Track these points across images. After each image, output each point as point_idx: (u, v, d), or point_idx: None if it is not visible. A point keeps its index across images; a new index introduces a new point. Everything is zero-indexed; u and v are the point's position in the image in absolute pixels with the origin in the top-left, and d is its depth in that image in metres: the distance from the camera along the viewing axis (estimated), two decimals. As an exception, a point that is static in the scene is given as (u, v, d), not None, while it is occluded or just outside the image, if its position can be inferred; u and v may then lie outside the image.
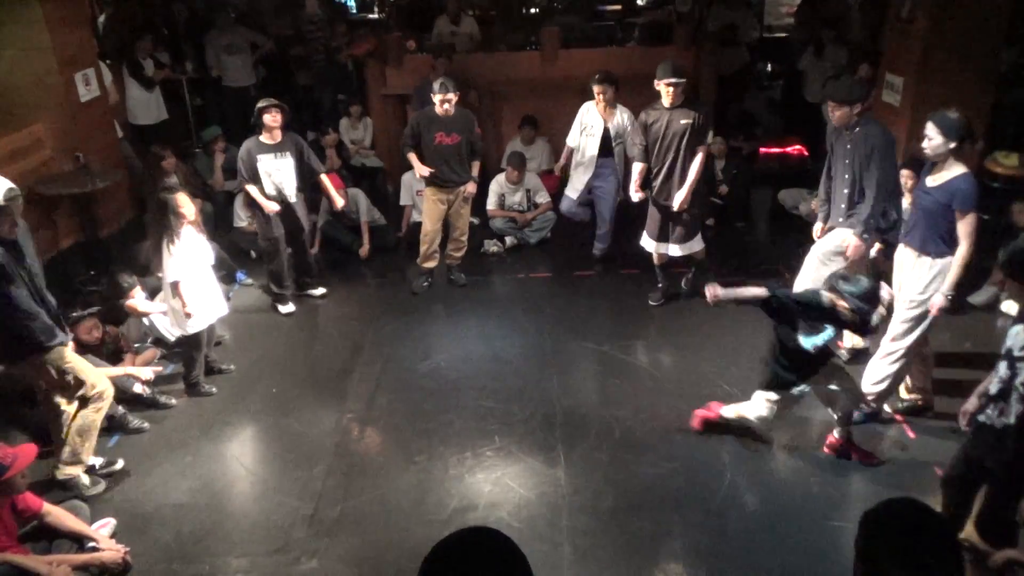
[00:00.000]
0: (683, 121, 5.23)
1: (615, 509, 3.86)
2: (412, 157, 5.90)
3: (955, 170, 3.88)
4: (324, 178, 5.95)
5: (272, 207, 5.61)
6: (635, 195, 5.56)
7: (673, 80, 5.16)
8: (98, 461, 4.23)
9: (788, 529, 3.71)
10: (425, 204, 6.04)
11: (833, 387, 4.01)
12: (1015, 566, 2.90)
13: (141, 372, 4.69)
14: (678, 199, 5.33)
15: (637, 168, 5.49)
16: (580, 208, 6.40)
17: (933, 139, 3.86)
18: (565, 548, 3.64)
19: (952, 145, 3.83)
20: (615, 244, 6.45)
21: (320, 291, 6.21)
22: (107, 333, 4.91)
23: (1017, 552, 2.96)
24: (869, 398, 4.35)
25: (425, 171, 5.85)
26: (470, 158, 5.99)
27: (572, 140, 6.18)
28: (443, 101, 5.71)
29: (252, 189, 5.59)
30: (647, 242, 5.69)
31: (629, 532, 3.72)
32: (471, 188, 6.02)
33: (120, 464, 4.29)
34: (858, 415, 4.31)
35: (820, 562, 3.50)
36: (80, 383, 3.99)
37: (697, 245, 5.64)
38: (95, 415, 4.05)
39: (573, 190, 6.28)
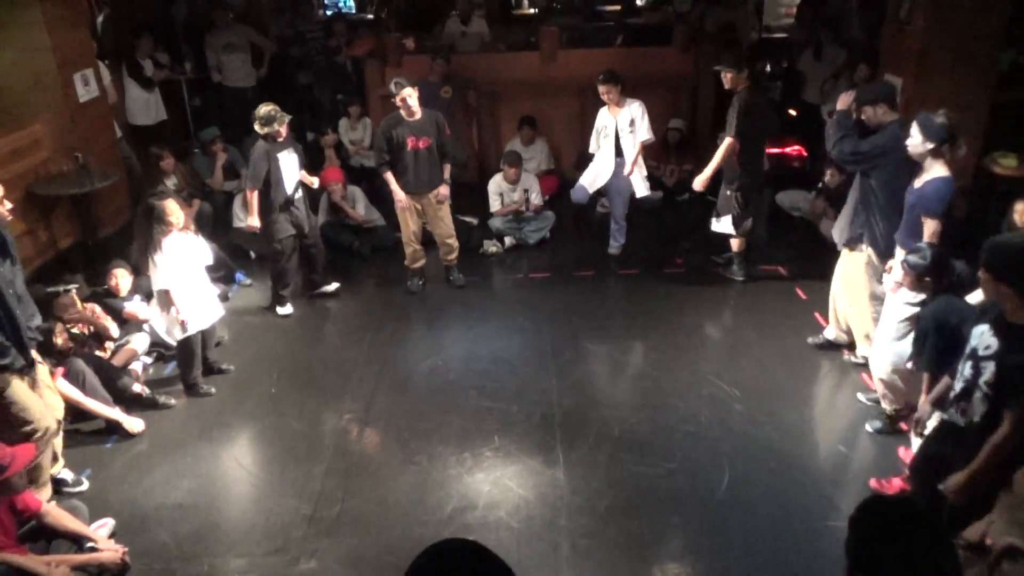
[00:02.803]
0: None
1: (614, 509, 3.86)
2: (390, 178, 5.80)
3: (934, 172, 3.92)
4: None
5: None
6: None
7: None
8: (69, 477, 4.13)
9: (788, 530, 3.70)
10: (398, 211, 6.00)
11: None
12: (1015, 553, 2.89)
13: (132, 425, 4.53)
14: None
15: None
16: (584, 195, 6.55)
17: (913, 138, 3.93)
18: (564, 548, 3.64)
19: (930, 147, 3.88)
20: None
21: (333, 286, 6.17)
22: (86, 318, 4.86)
23: (1016, 539, 2.95)
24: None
25: (404, 198, 5.79)
26: (441, 160, 5.87)
27: (593, 147, 6.34)
28: (402, 100, 5.54)
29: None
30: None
31: (628, 532, 3.71)
32: (443, 191, 5.91)
33: (86, 485, 4.14)
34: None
35: (820, 563, 3.49)
36: (22, 421, 3.69)
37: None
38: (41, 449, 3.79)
39: (589, 184, 6.40)
